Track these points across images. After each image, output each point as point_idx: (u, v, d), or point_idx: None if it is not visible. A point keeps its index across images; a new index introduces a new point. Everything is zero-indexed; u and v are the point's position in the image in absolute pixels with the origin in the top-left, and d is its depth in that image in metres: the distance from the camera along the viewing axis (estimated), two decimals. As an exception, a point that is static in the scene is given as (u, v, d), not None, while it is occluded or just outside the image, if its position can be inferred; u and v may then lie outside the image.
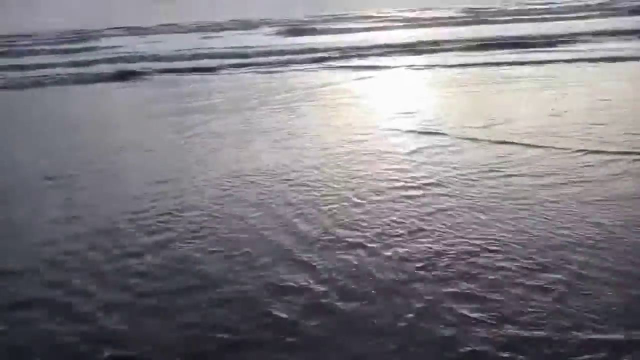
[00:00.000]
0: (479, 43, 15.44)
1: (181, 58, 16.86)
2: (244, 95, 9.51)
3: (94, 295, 2.67)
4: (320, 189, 4.07)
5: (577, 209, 3.35)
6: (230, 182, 4.41)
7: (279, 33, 30.67)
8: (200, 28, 46.46)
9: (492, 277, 2.57)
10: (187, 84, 11.64)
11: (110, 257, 3.12)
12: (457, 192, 3.78)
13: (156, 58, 17.18)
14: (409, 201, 3.67)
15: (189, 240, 3.29)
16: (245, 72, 13.06)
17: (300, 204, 3.77)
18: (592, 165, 4.19)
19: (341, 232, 3.25)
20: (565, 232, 3.02)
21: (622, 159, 4.30)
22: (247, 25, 46.82)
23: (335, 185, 4.13)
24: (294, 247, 3.07)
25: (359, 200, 3.75)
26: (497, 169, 4.24)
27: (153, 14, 41.23)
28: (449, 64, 12.14)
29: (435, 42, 16.52)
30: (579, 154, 4.49)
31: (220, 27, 47.27)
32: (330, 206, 3.67)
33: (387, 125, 6.20)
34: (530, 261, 2.71)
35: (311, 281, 2.66)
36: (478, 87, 8.95)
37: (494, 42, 15.43)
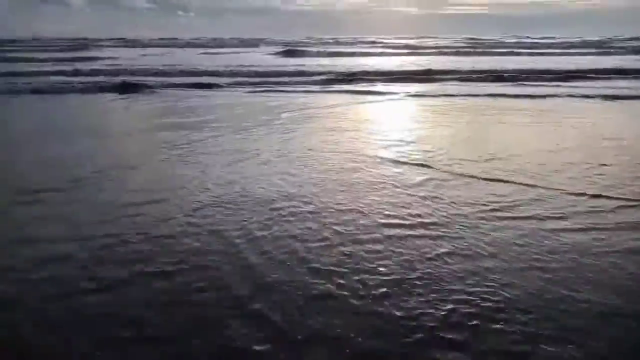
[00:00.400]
0: (478, 74, 15.44)
1: (180, 73, 16.81)
2: (238, 114, 9.28)
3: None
4: (306, 222, 3.73)
5: (596, 261, 3.03)
6: (213, 208, 4.08)
7: (279, 53, 30.93)
8: (201, 44, 46.84)
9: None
10: (183, 99, 11.44)
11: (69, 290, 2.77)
12: (455, 234, 3.46)
13: (156, 72, 17.10)
14: (400, 243, 3.34)
15: (158, 267, 2.96)
16: (244, 91, 12.91)
17: (281, 239, 3.42)
18: (598, 211, 3.89)
19: (315, 279, 2.84)
20: (587, 295, 2.62)
21: (629, 205, 4.02)
22: (248, 43, 47.11)
23: (322, 220, 3.80)
24: (252, 297, 2.66)
25: (343, 240, 3.39)
26: (497, 209, 3.93)
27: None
28: (448, 93, 12.04)
29: (434, 71, 16.53)
30: (583, 197, 4.21)
31: (221, 44, 47.67)
32: (311, 244, 3.33)
33: (382, 154, 5.92)
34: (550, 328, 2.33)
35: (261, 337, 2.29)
36: (477, 119, 8.79)
37: (493, 74, 15.42)
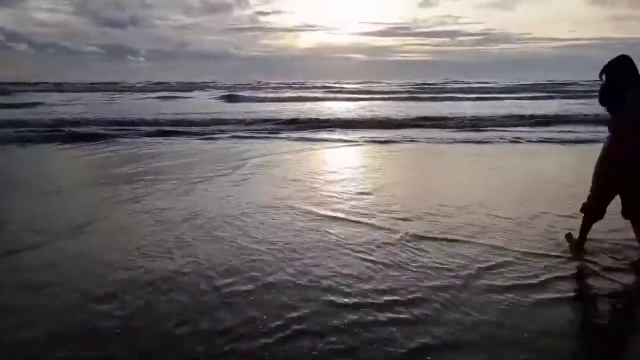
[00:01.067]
0: (430, 121, 15.58)
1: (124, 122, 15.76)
2: (183, 164, 8.46)
3: None
4: (248, 312, 2.98)
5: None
6: (147, 288, 3.25)
7: (223, 97, 30.38)
8: (145, 89, 45.65)
9: None
10: (132, 148, 10.46)
11: None
12: (423, 314, 2.84)
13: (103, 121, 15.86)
14: (367, 333, 2.66)
15: None
16: (191, 139, 12.11)
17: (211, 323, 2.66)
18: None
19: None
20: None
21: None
22: (195, 87, 46.40)
23: (264, 296, 3.09)
24: None
25: (293, 334, 2.65)
26: (474, 276, 3.39)
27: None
28: (399, 139, 11.87)
29: (379, 117, 16.62)
30: (548, 260, 3.77)
31: (167, 88, 46.74)
32: (256, 342, 2.58)
33: (333, 208, 5.33)
34: None
35: None
36: (438, 166, 8.54)
37: (436, 119, 15.66)
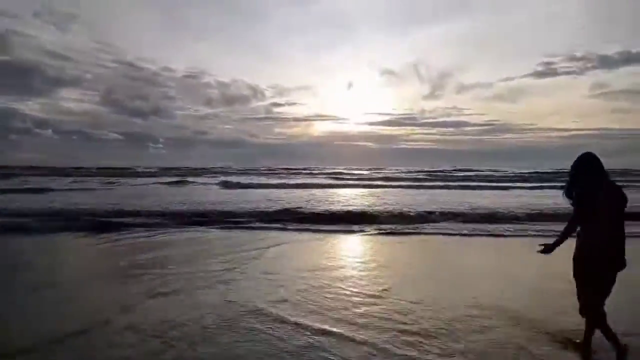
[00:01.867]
0: (445, 215, 15.18)
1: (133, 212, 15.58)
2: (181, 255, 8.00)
3: None
4: None
5: None
6: None
7: (224, 184, 30.63)
8: (155, 173, 46.54)
9: None
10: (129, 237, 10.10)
11: None
12: None
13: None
14: None
15: None
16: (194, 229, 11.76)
17: None
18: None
19: None
20: None
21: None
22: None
23: None
24: None
25: None
26: None
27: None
28: (414, 229, 11.41)
29: (391, 207, 16.23)
30: None
31: (181, 174, 47.65)
32: None
33: (333, 318, 4.75)
34: None
35: None
36: (438, 264, 7.94)
37: (448, 212, 15.21)
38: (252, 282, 6.30)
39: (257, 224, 12.29)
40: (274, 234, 10.86)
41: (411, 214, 13.85)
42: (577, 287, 3.69)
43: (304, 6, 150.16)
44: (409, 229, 11.61)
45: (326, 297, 5.50)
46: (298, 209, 14.82)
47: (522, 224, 12.42)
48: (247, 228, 11.72)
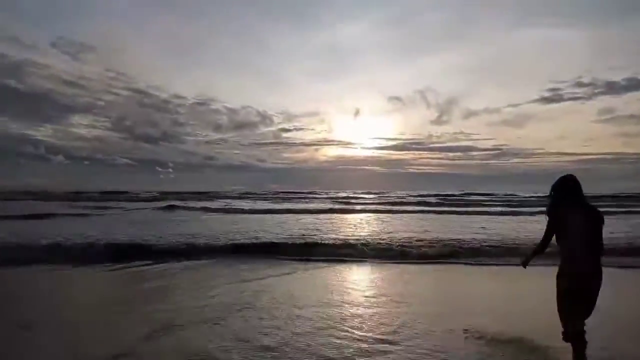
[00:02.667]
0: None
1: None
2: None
3: None
4: None
5: None
6: None
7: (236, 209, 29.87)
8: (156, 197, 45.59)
9: None
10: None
11: None
12: None
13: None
14: None
15: None
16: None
17: None
18: None
19: None
20: None
21: None
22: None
23: None
24: None
25: None
26: None
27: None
28: (432, 259, 10.55)
29: (403, 237, 15.37)
30: None
31: (183, 198, 46.91)
32: None
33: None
34: None
35: None
36: (458, 298, 7.07)
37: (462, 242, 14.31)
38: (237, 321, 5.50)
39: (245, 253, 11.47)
40: (274, 263, 10.06)
41: (429, 243, 12.85)
42: (560, 311, 3.72)
43: (312, 34, 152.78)
44: (433, 259, 10.73)
45: (330, 346, 4.67)
46: (302, 236, 13.96)
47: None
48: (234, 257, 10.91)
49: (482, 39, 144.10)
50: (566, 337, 3.71)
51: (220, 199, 51.92)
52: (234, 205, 35.75)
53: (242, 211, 28.55)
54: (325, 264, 9.93)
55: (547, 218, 3.73)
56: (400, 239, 13.01)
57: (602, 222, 3.55)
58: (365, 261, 10.46)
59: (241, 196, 61.78)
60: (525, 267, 4.14)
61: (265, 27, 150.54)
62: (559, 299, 3.70)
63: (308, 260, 10.42)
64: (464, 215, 25.90)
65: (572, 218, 3.54)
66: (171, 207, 30.52)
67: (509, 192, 73.88)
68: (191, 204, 36.23)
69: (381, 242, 12.52)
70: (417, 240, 12.76)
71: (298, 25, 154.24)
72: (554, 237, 3.75)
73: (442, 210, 30.49)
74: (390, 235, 14.43)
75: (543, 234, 3.77)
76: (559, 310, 3.72)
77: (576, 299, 3.59)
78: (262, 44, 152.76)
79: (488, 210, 30.45)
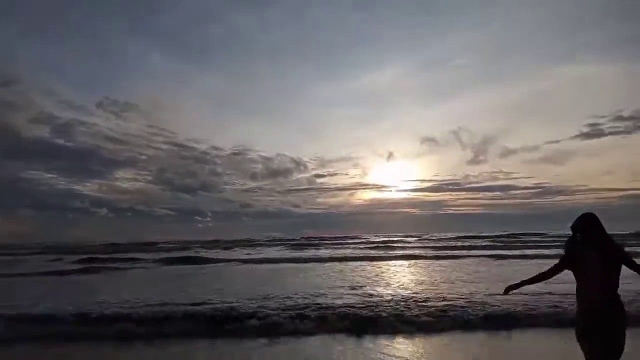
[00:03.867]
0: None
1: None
2: None
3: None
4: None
5: None
6: None
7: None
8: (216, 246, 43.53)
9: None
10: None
11: None
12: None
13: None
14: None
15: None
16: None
17: None
18: None
19: None
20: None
21: None
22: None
23: None
24: None
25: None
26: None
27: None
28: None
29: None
30: None
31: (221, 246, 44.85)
32: None
33: None
34: None
35: None
36: None
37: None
38: None
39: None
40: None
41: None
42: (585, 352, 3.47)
43: (345, 81, 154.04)
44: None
45: None
46: (338, 299, 10.59)
47: None
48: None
49: (517, 77, 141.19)
50: None
51: (253, 246, 49.80)
52: (257, 254, 32.95)
53: (260, 261, 25.71)
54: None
55: (563, 254, 3.60)
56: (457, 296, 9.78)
57: (621, 252, 3.40)
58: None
59: (271, 243, 59.31)
60: (507, 293, 3.80)
61: (298, 75, 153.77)
62: (579, 343, 3.49)
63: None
64: (520, 260, 22.11)
65: (589, 255, 3.42)
66: (187, 259, 27.98)
67: (555, 231, 67.63)
68: (211, 254, 33.87)
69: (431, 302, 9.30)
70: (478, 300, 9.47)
71: (331, 72, 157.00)
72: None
73: (496, 254, 26.45)
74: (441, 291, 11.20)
75: (552, 266, 3.62)
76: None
77: (592, 341, 3.37)
78: (295, 95, 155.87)
79: (543, 252, 26.17)
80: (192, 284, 14.83)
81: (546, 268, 3.62)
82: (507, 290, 3.74)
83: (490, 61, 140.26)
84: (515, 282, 3.68)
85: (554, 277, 3.64)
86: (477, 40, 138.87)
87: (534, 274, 3.65)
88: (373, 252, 31.61)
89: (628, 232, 49.23)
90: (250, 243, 61.21)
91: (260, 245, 54.27)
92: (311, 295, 10.53)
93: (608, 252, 3.40)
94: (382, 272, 17.24)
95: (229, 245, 54.55)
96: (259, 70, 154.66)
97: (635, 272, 3.40)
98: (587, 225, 3.54)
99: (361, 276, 15.71)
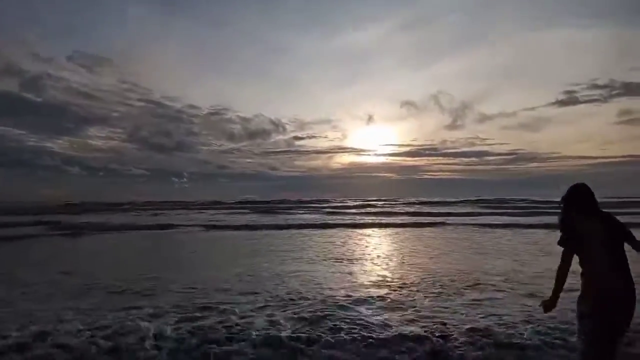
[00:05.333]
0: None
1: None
2: None
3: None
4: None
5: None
6: None
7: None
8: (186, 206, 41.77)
9: None
10: None
11: None
12: None
13: None
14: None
15: None
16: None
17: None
18: None
19: None
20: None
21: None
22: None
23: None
24: None
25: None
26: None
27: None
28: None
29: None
30: None
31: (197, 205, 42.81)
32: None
33: None
34: None
35: None
36: None
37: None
38: None
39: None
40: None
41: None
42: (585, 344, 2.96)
43: (325, 41, 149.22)
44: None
45: None
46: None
47: None
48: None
49: (497, 41, 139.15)
50: None
51: (225, 209, 47.93)
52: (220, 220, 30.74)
53: (215, 228, 23.49)
54: None
55: (561, 233, 3.13)
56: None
57: (624, 227, 3.02)
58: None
59: (245, 206, 57.27)
60: (550, 311, 3.19)
61: (279, 35, 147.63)
62: (581, 338, 2.99)
63: None
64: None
65: (589, 228, 3.02)
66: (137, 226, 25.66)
67: (529, 197, 67.93)
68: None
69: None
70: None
71: (311, 33, 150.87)
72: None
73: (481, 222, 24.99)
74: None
75: (561, 256, 3.10)
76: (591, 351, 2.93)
77: (604, 331, 2.87)
78: (275, 52, 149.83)
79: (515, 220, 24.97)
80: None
81: (558, 264, 3.10)
82: (547, 310, 3.18)
83: (473, 23, 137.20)
84: (549, 298, 3.15)
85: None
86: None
87: (554, 281, 3.13)
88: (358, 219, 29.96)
89: (600, 200, 49.03)
90: (221, 206, 59.52)
91: (232, 208, 52.32)
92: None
93: (611, 224, 3.04)
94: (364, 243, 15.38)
95: (197, 207, 53.12)
96: (239, 25, 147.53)
97: (636, 250, 3.03)
98: (584, 196, 3.18)
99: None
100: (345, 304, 6.40)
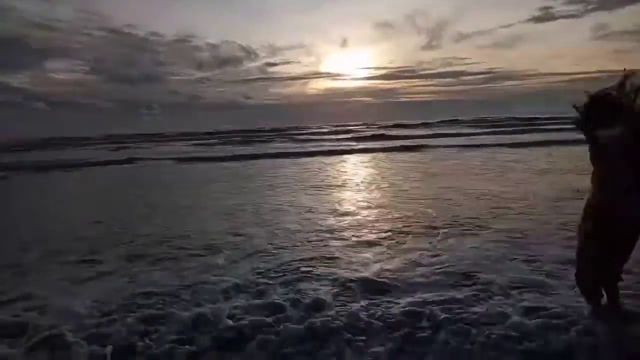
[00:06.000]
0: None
1: None
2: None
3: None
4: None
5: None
6: None
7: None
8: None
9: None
10: None
11: None
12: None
13: None
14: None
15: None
16: None
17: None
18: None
19: None
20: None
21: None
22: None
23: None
24: None
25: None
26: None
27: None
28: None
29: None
30: None
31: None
32: None
33: None
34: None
35: None
36: None
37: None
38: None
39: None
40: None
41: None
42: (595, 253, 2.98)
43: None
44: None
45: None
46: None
47: None
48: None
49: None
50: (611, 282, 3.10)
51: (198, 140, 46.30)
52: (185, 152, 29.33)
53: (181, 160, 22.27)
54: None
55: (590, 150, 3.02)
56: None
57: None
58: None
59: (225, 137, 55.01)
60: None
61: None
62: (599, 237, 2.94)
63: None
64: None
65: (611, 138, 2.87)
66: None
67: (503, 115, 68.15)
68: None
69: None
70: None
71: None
72: None
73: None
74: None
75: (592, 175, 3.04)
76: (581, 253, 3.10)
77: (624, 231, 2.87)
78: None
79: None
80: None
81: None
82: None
83: None
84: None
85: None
86: None
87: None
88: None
89: (576, 117, 49.26)
90: (193, 137, 57.19)
91: (200, 139, 49.97)
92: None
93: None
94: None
95: (167, 139, 51.34)
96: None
97: None
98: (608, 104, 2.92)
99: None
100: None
